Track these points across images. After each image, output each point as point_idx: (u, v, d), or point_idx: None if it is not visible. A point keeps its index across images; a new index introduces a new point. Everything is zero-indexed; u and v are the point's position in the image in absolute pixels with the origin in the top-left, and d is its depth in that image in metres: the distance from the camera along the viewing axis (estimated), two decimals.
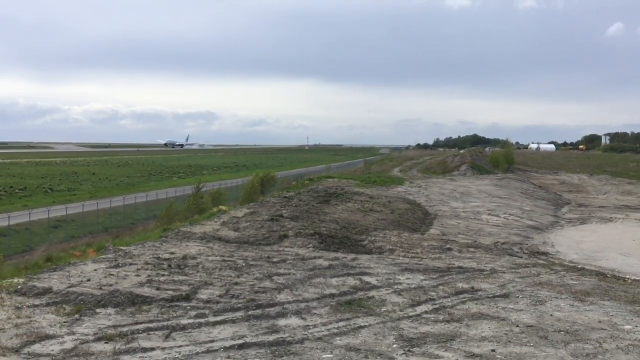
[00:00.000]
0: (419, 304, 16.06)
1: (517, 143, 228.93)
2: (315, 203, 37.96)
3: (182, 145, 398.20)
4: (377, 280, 18.60)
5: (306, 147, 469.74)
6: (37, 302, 15.68)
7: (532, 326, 14.25)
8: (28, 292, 16.53)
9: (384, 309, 15.47)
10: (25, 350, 12.13)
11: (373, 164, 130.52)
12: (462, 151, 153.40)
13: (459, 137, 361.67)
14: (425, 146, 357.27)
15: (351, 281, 18.32)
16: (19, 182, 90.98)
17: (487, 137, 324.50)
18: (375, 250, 25.84)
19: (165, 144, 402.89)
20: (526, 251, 28.91)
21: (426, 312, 15.26)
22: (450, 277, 19.56)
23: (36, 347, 12.30)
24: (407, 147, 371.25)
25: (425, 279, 19.02)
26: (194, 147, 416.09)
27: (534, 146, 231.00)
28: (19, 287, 17.04)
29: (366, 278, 18.81)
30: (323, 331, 13.50)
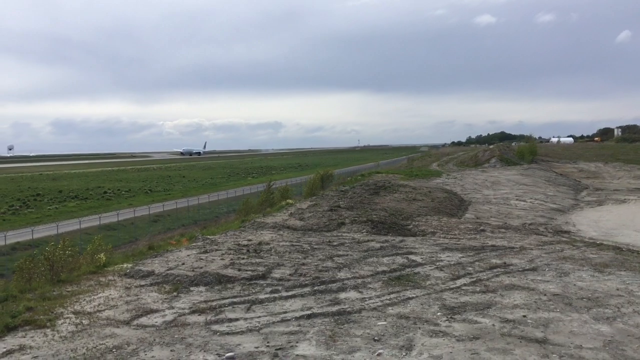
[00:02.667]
0: (459, 277, 15.84)
1: (539, 138, 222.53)
2: (367, 195, 37.84)
3: (199, 153, 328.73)
4: (421, 258, 18.43)
5: (358, 148, 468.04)
6: (142, 282, 16.13)
7: (558, 295, 13.89)
8: (135, 274, 17.02)
9: (428, 282, 15.32)
10: (135, 322, 12.50)
11: (415, 160, 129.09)
12: (491, 146, 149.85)
13: (488, 134, 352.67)
14: (459, 143, 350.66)
15: (400, 260, 18.21)
16: (125, 186, 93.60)
17: (513, 133, 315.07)
18: (419, 233, 25.58)
19: (182, 153, 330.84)
20: (551, 230, 28.10)
21: (465, 285, 15.04)
22: (484, 254, 19.22)
23: (143, 320, 12.66)
24: (444, 145, 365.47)
25: (463, 257, 18.74)
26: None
27: (554, 140, 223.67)
28: (128, 271, 17.56)
29: (412, 257, 18.66)
30: (377, 302, 13.46)
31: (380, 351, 10.18)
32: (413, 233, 25.61)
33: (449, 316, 12.22)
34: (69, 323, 12.38)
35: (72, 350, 10.67)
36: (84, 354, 10.48)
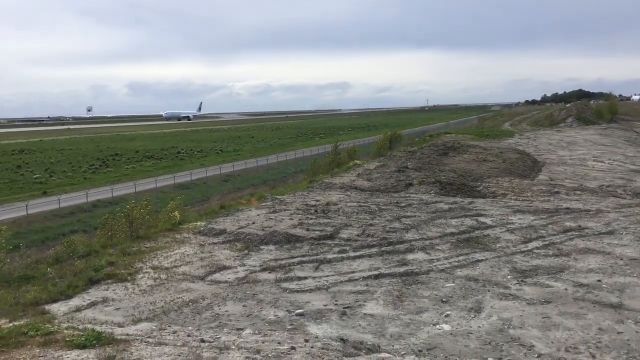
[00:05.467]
0: (530, 240, 15.49)
1: (620, 95, 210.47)
2: (436, 155, 37.30)
3: (188, 118, 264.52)
4: (491, 220, 18.10)
5: (426, 108, 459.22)
6: (215, 240, 16.69)
7: (635, 259, 13.37)
8: (208, 232, 17.62)
9: (498, 245, 15.08)
10: (209, 278, 13.01)
11: (486, 120, 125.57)
12: (568, 105, 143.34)
13: (565, 92, 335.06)
14: (534, 102, 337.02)
15: (468, 222, 17.96)
16: (197, 146, 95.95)
17: (591, 91, 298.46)
18: (489, 194, 25.07)
19: (166, 118, 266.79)
20: (630, 192, 26.84)
21: (537, 248, 14.71)
22: (558, 217, 18.65)
23: (217, 276, 13.15)
24: (517, 104, 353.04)
25: (535, 219, 18.27)
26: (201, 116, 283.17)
27: (636, 97, 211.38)
28: (202, 229, 18.20)
29: (482, 219, 18.36)
30: (445, 264, 13.40)
31: (448, 312, 10.18)
32: (483, 195, 25.14)
33: (520, 279, 12.03)
34: (148, 277, 13.03)
35: (151, 303, 11.25)
36: (162, 306, 11.03)
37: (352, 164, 38.98)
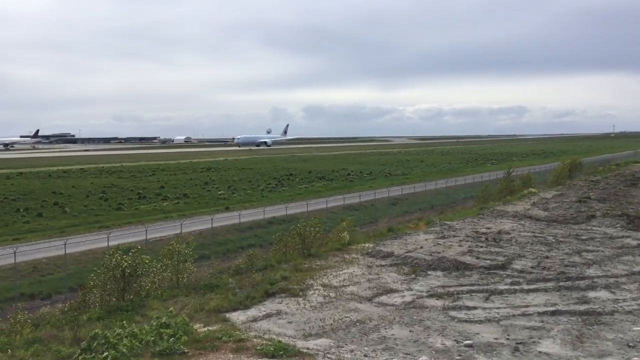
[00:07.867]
0: None
1: None
2: (622, 186, 34.33)
3: (266, 143, 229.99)
4: None
5: (612, 135, 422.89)
6: (383, 262, 16.82)
7: None
8: (376, 254, 17.82)
9: None
10: (376, 300, 13.12)
11: None
12: None
13: None
14: None
15: None
16: (366, 168, 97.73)
17: None
18: None
19: (240, 144, 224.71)
20: None
21: None
22: None
23: (383, 298, 13.22)
24: None
25: None
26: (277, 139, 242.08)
27: None
28: (369, 250, 18.45)
29: None
30: (633, 305, 12.15)
31: (636, 359, 9.21)
32: None
33: None
34: (318, 294, 13.49)
35: (320, 320, 11.61)
36: (331, 324, 11.33)
37: (526, 192, 37.09)
